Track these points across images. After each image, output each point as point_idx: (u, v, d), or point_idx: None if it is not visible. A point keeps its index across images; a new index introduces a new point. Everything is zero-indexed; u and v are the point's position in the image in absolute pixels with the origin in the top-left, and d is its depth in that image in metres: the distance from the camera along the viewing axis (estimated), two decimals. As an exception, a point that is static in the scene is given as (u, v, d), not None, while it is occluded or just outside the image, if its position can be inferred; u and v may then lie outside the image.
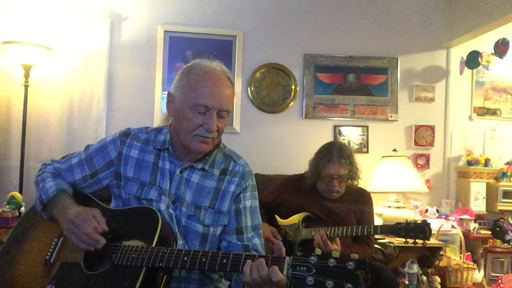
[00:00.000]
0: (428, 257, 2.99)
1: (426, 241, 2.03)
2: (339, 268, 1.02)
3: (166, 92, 3.39)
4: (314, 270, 1.04)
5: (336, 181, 2.40)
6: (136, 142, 1.50)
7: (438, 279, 2.95)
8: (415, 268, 2.80)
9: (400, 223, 2.09)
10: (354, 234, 2.21)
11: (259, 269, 1.11)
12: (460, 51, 3.74)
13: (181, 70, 1.44)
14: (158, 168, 1.45)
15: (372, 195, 2.60)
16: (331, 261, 1.04)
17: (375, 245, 2.72)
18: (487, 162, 3.70)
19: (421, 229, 2.01)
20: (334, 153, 2.41)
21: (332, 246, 2.08)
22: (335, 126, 3.69)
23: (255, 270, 1.11)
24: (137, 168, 1.46)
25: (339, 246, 2.13)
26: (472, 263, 3.18)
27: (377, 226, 2.25)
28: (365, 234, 2.22)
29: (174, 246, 1.33)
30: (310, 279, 1.03)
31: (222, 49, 3.55)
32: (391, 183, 3.31)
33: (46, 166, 1.57)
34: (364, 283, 1.00)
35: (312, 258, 1.05)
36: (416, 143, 3.75)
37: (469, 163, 3.70)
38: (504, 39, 3.30)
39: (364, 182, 2.80)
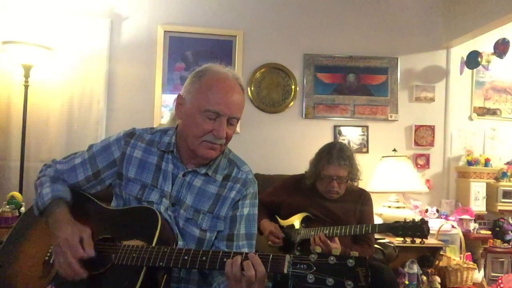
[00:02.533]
0: (428, 257, 2.99)
1: (424, 240, 2.03)
2: (340, 266, 1.02)
3: (166, 92, 3.45)
4: (315, 268, 1.04)
5: (336, 182, 2.40)
6: (140, 142, 1.48)
7: (438, 279, 2.96)
8: (415, 268, 2.80)
9: (398, 222, 2.10)
10: (352, 233, 2.21)
11: (232, 266, 1.12)
12: (460, 51, 3.74)
13: (193, 73, 1.42)
14: (161, 170, 1.44)
15: (372, 195, 2.59)
16: (331, 258, 1.03)
17: (375, 245, 2.72)
18: (487, 162, 3.70)
19: (419, 228, 2.02)
20: (334, 154, 2.40)
21: (332, 245, 2.08)
22: (335, 126, 3.69)
23: (229, 266, 1.12)
24: (140, 169, 1.45)
25: (339, 245, 2.13)
26: (472, 263, 3.18)
27: (375, 225, 2.25)
28: (363, 233, 2.22)
29: (174, 246, 1.32)
30: (310, 277, 1.03)
31: (222, 49, 3.56)
32: (391, 183, 3.31)
33: (47, 168, 1.54)
34: (365, 280, 1.00)
35: (313, 256, 1.05)
36: (416, 143, 3.75)
37: (469, 163, 3.70)
38: (504, 39, 3.31)
39: (364, 182, 2.81)
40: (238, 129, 3.51)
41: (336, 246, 2.12)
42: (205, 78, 1.37)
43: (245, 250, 1.42)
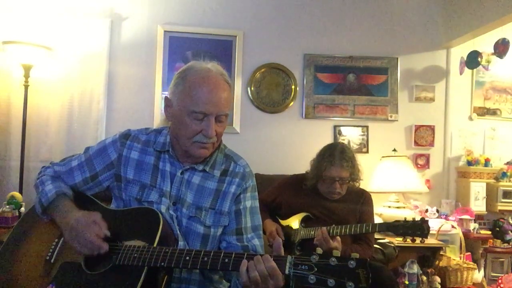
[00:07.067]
0: (428, 257, 2.99)
1: (424, 239, 2.04)
2: (341, 267, 1.03)
3: (166, 92, 3.44)
4: (316, 269, 1.04)
5: (338, 183, 2.40)
6: (136, 143, 1.49)
7: (438, 279, 2.95)
8: (415, 268, 2.79)
9: (398, 221, 2.10)
10: (353, 233, 2.21)
11: (256, 264, 1.12)
12: (460, 51, 3.74)
13: (177, 74, 1.41)
14: (159, 170, 1.45)
15: (372, 195, 2.59)
16: (333, 260, 1.04)
17: (375, 245, 2.72)
18: (487, 162, 3.70)
19: (419, 227, 2.02)
20: (336, 156, 2.39)
21: (332, 244, 2.08)
22: (335, 126, 3.69)
23: (253, 267, 1.12)
24: (138, 170, 1.45)
25: (340, 244, 2.13)
26: (472, 263, 3.17)
27: (375, 224, 2.25)
28: (364, 232, 2.22)
29: (175, 247, 1.33)
30: (312, 278, 1.03)
31: (222, 49, 3.56)
32: (391, 183, 3.31)
33: (46, 169, 1.56)
34: (365, 281, 1.00)
35: (314, 257, 1.05)
36: (416, 143, 3.76)
37: (469, 163, 3.70)
38: (504, 39, 3.30)
39: (364, 182, 2.80)
40: (238, 129, 3.52)
41: (336, 245, 2.12)
42: (188, 78, 1.36)
43: (255, 241, 1.45)
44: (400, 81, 3.76)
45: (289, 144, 3.62)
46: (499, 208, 3.60)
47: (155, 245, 1.25)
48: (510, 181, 3.68)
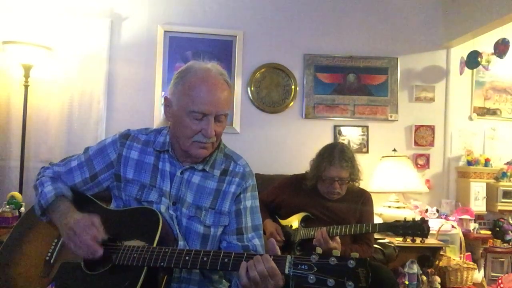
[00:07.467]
0: (428, 257, 2.99)
1: (425, 239, 2.04)
2: (340, 267, 1.03)
3: (166, 92, 3.44)
4: (316, 269, 1.04)
5: (337, 184, 2.39)
6: (136, 143, 1.49)
7: (438, 279, 2.95)
8: (415, 268, 2.79)
9: (398, 221, 2.11)
10: (352, 233, 2.22)
11: (256, 264, 1.11)
12: (460, 51, 3.74)
13: (176, 74, 1.41)
14: (158, 170, 1.45)
15: (372, 195, 2.59)
16: (332, 259, 1.04)
17: (375, 245, 2.72)
18: (487, 162, 3.70)
19: (419, 227, 2.03)
20: (336, 156, 2.39)
21: (332, 244, 2.08)
22: (335, 126, 3.69)
23: (252, 267, 1.12)
24: (137, 169, 1.45)
25: (339, 244, 2.13)
26: (472, 263, 3.17)
27: (375, 224, 2.25)
28: (364, 232, 2.22)
29: (175, 247, 1.33)
30: (311, 277, 1.03)
31: (222, 49, 3.56)
32: (391, 183, 3.31)
33: (45, 170, 1.56)
34: (365, 281, 1.00)
35: (313, 256, 1.05)
36: (416, 143, 3.76)
37: (469, 163, 3.70)
38: (504, 39, 3.30)
39: (364, 182, 2.80)
40: (238, 129, 3.52)
41: (335, 246, 2.12)
42: (187, 78, 1.36)
43: (256, 241, 1.45)
44: (400, 81, 3.76)
45: (289, 144, 3.62)
46: (499, 208, 3.60)
47: (154, 245, 1.25)
48: (510, 181, 3.68)
